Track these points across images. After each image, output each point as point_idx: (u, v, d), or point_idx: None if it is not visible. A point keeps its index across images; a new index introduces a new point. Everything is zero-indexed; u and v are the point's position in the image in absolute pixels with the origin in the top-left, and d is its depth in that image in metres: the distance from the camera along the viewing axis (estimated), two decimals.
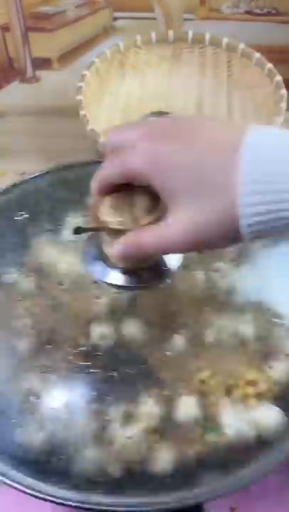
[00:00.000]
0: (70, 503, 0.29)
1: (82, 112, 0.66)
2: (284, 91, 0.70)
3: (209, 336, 0.33)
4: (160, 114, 0.73)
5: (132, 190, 0.31)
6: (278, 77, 0.71)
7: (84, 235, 0.34)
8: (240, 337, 0.34)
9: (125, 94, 0.81)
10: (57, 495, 0.29)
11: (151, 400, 0.30)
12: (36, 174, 0.45)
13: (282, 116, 0.67)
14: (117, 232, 0.31)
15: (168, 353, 0.32)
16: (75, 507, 0.29)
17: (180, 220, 0.28)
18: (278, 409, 0.32)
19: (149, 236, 0.29)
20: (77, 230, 0.32)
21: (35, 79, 0.90)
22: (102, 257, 0.34)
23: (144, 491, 0.28)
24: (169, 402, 0.31)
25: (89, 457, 0.29)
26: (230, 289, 0.35)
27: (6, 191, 0.43)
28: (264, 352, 0.33)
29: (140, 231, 0.30)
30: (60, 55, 0.89)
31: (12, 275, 0.36)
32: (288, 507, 0.48)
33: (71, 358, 0.32)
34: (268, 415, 0.31)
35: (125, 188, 0.31)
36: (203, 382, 0.31)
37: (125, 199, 0.31)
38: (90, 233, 0.35)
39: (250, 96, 0.79)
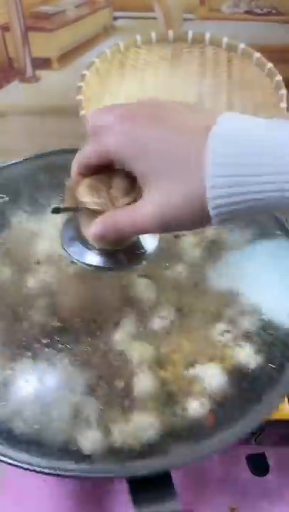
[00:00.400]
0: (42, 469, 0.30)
1: (82, 112, 0.66)
2: (284, 91, 0.70)
3: (177, 315, 0.35)
4: None
5: (111, 172, 0.32)
6: (278, 77, 0.71)
7: (63, 216, 0.35)
8: (208, 318, 0.35)
9: (125, 94, 0.81)
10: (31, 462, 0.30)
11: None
12: (15, 161, 0.45)
13: (282, 116, 0.67)
14: (94, 213, 0.31)
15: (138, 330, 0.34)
16: (48, 474, 0.30)
17: (151, 202, 0.28)
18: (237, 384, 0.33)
19: (123, 216, 0.30)
20: (56, 210, 0.33)
21: (35, 79, 0.90)
22: (80, 238, 0.35)
23: (112, 460, 0.30)
24: (132, 376, 0.32)
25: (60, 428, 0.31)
26: (203, 273, 0.37)
27: None
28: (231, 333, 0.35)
29: (115, 212, 0.31)
30: (60, 55, 0.89)
31: None
32: (288, 507, 0.48)
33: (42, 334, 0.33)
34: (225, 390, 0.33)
35: (104, 171, 0.32)
36: (167, 356, 0.33)
37: (103, 180, 0.32)
38: (68, 214, 0.36)
39: (250, 96, 0.79)
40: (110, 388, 0.31)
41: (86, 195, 0.31)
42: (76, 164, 0.32)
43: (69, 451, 0.30)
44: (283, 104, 0.68)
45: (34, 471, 0.30)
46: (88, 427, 0.30)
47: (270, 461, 0.48)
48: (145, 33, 0.78)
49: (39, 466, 0.30)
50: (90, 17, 0.87)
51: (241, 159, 0.25)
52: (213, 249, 0.38)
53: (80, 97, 0.68)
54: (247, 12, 0.86)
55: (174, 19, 0.87)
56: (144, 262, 0.35)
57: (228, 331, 0.35)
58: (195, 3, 0.85)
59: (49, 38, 0.88)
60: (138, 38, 0.77)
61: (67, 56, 0.89)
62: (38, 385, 0.32)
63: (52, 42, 0.88)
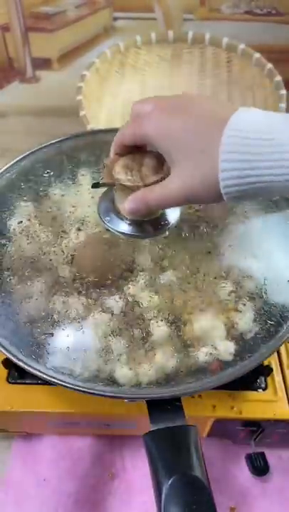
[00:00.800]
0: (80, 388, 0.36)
1: (82, 112, 0.66)
2: (284, 91, 0.70)
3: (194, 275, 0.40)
4: None
5: (143, 153, 0.37)
6: (278, 77, 0.71)
7: (100, 189, 0.41)
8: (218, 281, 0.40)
9: (125, 94, 0.81)
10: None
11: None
12: (47, 144, 0.51)
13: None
14: (127, 188, 0.37)
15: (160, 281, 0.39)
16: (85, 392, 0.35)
17: (177, 180, 0.34)
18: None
19: (153, 194, 0.35)
20: (95, 185, 0.39)
21: (35, 79, 0.90)
22: (114, 209, 0.40)
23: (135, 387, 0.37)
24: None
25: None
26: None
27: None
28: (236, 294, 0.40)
29: (146, 190, 0.36)
30: (60, 55, 0.89)
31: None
32: (288, 507, 0.48)
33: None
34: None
35: (137, 152, 0.37)
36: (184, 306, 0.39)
37: (136, 160, 0.37)
38: (105, 188, 0.41)
39: (250, 96, 0.79)
40: (132, 332, 0.37)
41: (121, 173, 0.37)
42: (114, 144, 0.38)
43: (100, 378, 0.36)
44: (283, 104, 0.68)
45: (74, 389, 0.35)
46: (117, 361, 0.36)
47: (270, 461, 0.48)
48: (145, 34, 0.78)
49: (78, 386, 0.35)
50: (90, 17, 0.87)
51: (249, 148, 0.30)
52: (230, 223, 0.43)
53: (80, 97, 0.68)
54: (247, 12, 0.86)
55: (174, 19, 0.87)
56: (166, 232, 0.40)
57: (234, 291, 0.40)
58: (195, 3, 0.85)
59: (49, 39, 0.88)
60: (138, 38, 0.77)
61: (67, 56, 0.89)
62: (76, 326, 0.38)
63: (52, 42, 0.89)
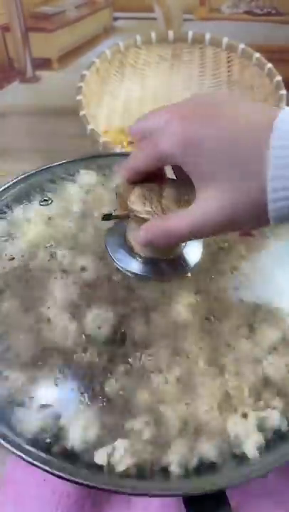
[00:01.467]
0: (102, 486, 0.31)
1: (82, 112, 0.66)
2: (284, 91, 0.70)
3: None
4: None
5: (162, 181, 0.32)
6: (278, 77, 0.71)
7: (109, 222, 0.36)
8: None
9: (125, 94, 0.81)
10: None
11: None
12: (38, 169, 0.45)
13: None
14: (144, 221, 0.31)
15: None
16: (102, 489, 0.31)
17: (212, 199, 0.27)
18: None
19: (177, 220, 0.29)
20: (107, 217, 0.34)
21: (35, 79, 0.90)
22: (126, 245, 0.35)
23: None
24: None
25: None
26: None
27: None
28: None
29: (166, 216, 0.30)
30: (60, 55, 0.89)
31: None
32: (288, 507, 0.48)
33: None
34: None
35: (155, 179, 0.32)
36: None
37: (154, 189, 0.32)
38: (114, 221, 0.36)
39: (250, 96, 0.79)
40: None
41: (138, 204, 0.31)
42: (127, 172, 0.32)
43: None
44: (283, 104, 0.68)
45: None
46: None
47: None
48: (145, 34, 0.78)
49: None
50: (90, 17, 0.87)
51: None
52: (258, 260, 0.38)
53: (80, 97, 0.68)
54: (247, 12, 0.86)
55: (173, 19, 0.87)
56: (189, 274, 0.35)
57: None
58: (195, 3, 0.85)
59: (49, 39, 0.88)
60: (138, 38, 0.77)
61: (67, 56, 0.89)
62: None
63: (52, 42, 0.89)
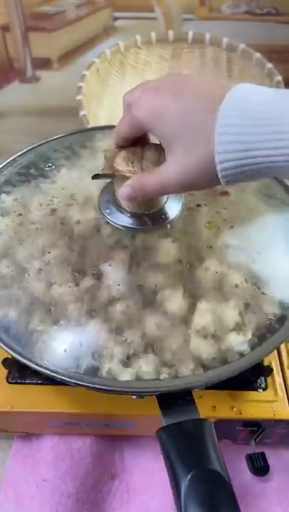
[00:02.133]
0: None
1: (82, 112, 0.66)
2: None
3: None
4: None
5: (144, 145, 0.37)
6: (278, 77, 0.71)
7: (101, 181, 0.41)
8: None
9: None
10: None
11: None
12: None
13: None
14: (127, 179, 0.36)
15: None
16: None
17: (173, 164, 0.32)
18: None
19: (149, 178, 0.34)
20: (95, 176, 0.39)
21: (35, 79, 0.90)
22: (115, 202, 0.40)
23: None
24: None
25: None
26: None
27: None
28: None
29: (142, 174, 0.35)
30: (60, 55, 0.89)
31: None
32: (288, 507, 0.48)
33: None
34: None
35: (138, 144, 0.37)
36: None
37: (136, 152, 0.37)
38: (106, 180, 0.41)
39: None
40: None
41: (122, 165, 0.36)
42: (114, 138, 0.37)
43: (105, 373, 0.35)
44: None
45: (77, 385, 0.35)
46: (122, 355, 0.36)
47: (270, 461, 0.48)
48: (145, 34, 0.78)
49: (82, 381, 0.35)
50: (90, 17, 0.87)
51: (248, 129, 0.27)
52: (228, 218, 0.42)
53: (80, 97, 0.68)
54: (247, 12, 0.86)
55: (174, 19, 0.87)
56: (167, 226, 0.40)
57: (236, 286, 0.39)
58: (195, 3, 0.85)
59: (49, 38, 0.88)
60: (138, 38, 0.77)
61: (67, 56, 0.89)
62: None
63: (52, 42, 0.89)
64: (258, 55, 0.74)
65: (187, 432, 0.33)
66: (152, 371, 0.35)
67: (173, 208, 0.41)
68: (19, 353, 0.36)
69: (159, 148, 0.35)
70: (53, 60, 0.89)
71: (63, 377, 0.34)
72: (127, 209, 0.40)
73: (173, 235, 0.40)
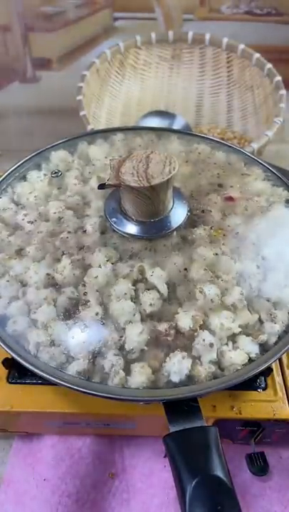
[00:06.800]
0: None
1: (82, 112, 0.66)
2: (283, 91, 0.70)
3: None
4: (160, 113, 0.73)
5: (149, 155, 0.38)
6: (278, 77, 0.71)
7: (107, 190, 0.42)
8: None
9: (125, 94, 0.81)
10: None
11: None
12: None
13: (281, 116, 0.67)
14: (133, 189, 0.37)
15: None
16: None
17: None
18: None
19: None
20: (101, 186, 0.40)
21: (35, 79, 0.90)
22: (120, 210, 0.41)
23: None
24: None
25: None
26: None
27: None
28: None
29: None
30: (60, 55, 0.89)
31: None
32: (288, 507, 0.48)
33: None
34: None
35: (144, 154, 0.38)
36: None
37: (142, 162, 0.38)
38: (111, 189, 0.42)
39: (250, 96, 0.79)
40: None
41: (127, 174, 0.37)
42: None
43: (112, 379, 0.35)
44: (283, 105, 0.68)
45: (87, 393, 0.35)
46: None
47: (270, 461, 0.48)
48: (145, 34, 0.78)
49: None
50: (90, 17, 0.87)
51: None
52: (233, 224, 0.43)
53: (80, 97, 0.68)
54: (247, 12, 0.86)
55: (174, 19, 0.87)
56: (173, 233, 0.40)
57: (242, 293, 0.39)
58: (195, 3, 0.85)
59: (49, 38, 0.88)
60: (138, 38, 0.77)
61: (67, 56, 0.89)
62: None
63: (52, 42, 0.89)
64: (257, 55, 0.74)
65: (193, 439, 0.34)
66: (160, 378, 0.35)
67: (178, 214, 0.41)
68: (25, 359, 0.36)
69: (165, 158, 0.37)
70: (53, 60, 0.89)
71: (71, 386, 0.34)
72: (133, 217, 0.40)
73: (178, 242, 0.40)
